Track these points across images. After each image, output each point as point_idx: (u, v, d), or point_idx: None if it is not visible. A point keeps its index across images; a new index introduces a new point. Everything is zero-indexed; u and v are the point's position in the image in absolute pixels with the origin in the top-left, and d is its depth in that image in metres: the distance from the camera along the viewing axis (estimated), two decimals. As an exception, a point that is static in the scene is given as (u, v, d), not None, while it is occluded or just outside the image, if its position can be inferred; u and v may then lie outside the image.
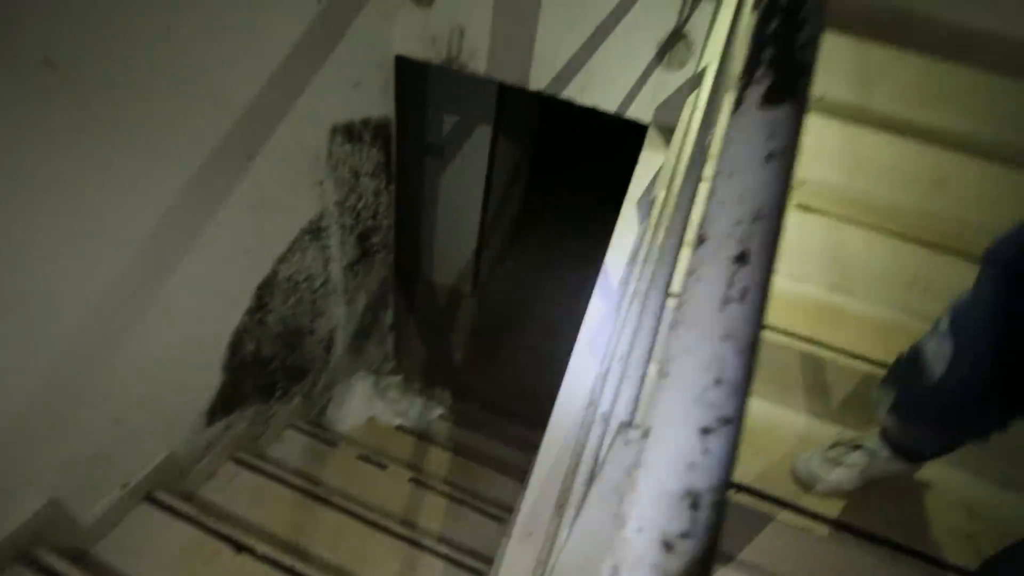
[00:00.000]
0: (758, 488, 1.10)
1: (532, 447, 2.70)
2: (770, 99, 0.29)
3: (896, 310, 1.37)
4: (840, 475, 1.06)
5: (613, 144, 5.79)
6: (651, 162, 1.58)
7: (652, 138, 1.65)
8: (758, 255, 0.27)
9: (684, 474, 0.22)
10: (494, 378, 3.23)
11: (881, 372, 1.21)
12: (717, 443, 0.23)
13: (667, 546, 0.21)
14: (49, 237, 1.02)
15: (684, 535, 0.21)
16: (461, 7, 1.72)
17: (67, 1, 0.91)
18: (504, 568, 1.13)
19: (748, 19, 0.83)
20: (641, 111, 1.73)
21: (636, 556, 0.21)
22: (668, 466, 0.22)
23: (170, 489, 1.47)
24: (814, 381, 1.28)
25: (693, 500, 0.22)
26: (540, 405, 3.13)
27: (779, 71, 0.30)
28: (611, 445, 0.34)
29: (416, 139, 3.19)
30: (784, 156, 0.28)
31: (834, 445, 1.09)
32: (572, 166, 5.43)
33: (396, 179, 2.33)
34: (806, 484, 1.10)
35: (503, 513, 1.93)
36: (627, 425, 0.34)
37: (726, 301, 0.25)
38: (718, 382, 0.24)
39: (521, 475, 2.27)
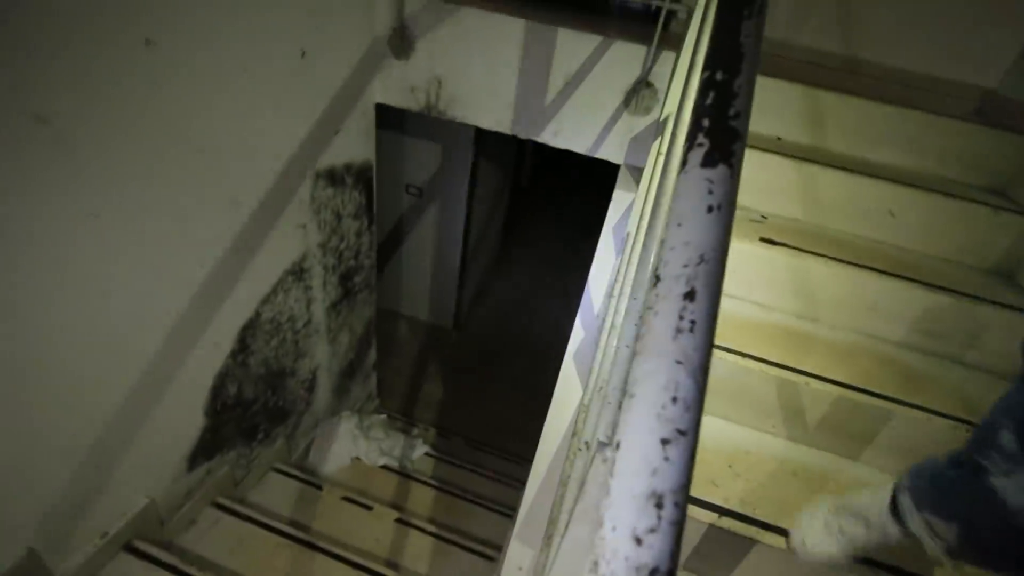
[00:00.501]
0: (740, 511, 1.13)
1: (518, 482, 2.69)
2: (708, 161, 0.35)
3: (860, 335, 1.45)
4: (832, 546, 0.96)
5: (591, 178, 6.01)
6: (623, 200, 1.67)
7: (623, 177, 1.74)
8: (704, 292, 0.32)
9: (649, 479, 0.26)
10: (478, 414, 3.23)
11: (850, 395, 1.27)
12: (676, 452, 0.27)
13: (637, 540, 0.25)
14: (37, 287, 1.03)
15: (651, 530, 0.25)
16: (438, 59, 1.82)
17: (58, 58, 0.96)
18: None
19: (699, 72, 0.92)
20: (612, 152, 1.83)
21: (612, 550, 0.25)
22: (635, 473, 0.27)
23: (150, 538, 1.44)
24: (789, 406, 1.33)
25: (657, 500, 0.26)
26: (524, 439, 3.13)
27: (715, 138, 0.36)
28: (590, 465, 0.38)
29: (396, 181, 3.27)
30: (722, 208, 0.34)
31: (837, 511, 0.98)
32: (551, 200, 5.58)
33: (377, 220, 2.38)
34: (797, 553, 1.01)
35: (491, 551, 1.90)
36: (605, 445, 0.38)
37: (678, 331, 0.30)
38: (674, 400, 0.28)
39: (508, 511, 2.25)
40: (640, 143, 1.76)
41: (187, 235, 1.35)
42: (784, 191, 1.56)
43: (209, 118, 1.29)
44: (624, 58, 1.63)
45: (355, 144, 2.00)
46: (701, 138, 0.37)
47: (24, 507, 1.16)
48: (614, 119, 1.74)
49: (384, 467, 2.33)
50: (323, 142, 1.82)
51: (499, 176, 3.89)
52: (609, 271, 1.45)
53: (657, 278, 0.33)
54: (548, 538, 0.97)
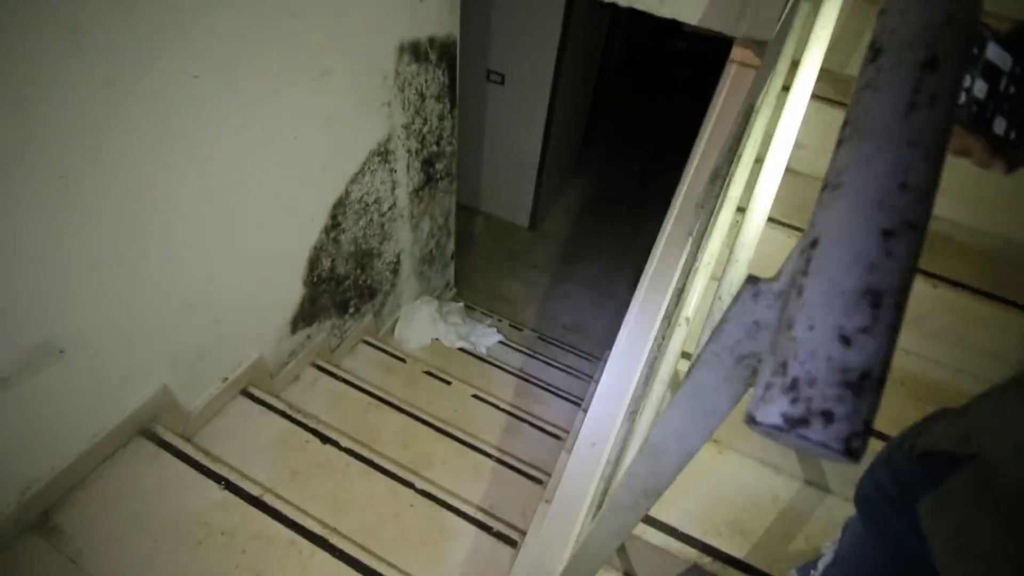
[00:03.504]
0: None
1: (586, 376, 2.73)
2: None
3: (1001, 241, 1.26)
4: None
5: (680, 76, 5.45)
6: (739, 75, 1.47)
7: (739, 51, 1.52)
8: (949, 62, 0.24)
9: (864, 274, 0.21)
10: (550, 311, 3.27)
11: (984, 303, 1.12)
12: (901, 246, 0.22)
13: (845, 340, 0.21)
14: (147, 142, 1.08)
15: (863, 330, 0.21)
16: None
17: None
18: (569, 470, 1.18)
19: None
20: (727, 23, 1.59)
21: (808, 351, 0.21)
22: (846, 267, 0.22)
23: (262, 388, 1.62)
24: (911, 312, 1.20)
25: (874, 298, 0.21)
26: (595, 339, 3.14)
27: None
28: (733, 303, 0.34)
29: (478, 66, 3.10)
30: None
31: None
32: (637, 98, 5.15)
33: (459, 105, 2.29)
34: None
35: (560, 431, 2.00)
36: (755, 279, 0.33)
37: (912, 107, 0.23)
38: (903, 187, 0.22)
39: (574, 400, 2.33)
40: (765, 9, 1.51)
41: (281, 103, 1.35)
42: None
43: (297, -27, 1.23)
44: None
45: (439, 15, 1.88)
46: None
47: (158, 348, 1.32)
48: (736, -23, 1.49)
49: (461, 350, 2.45)
50: (407, 10, 1.71)
51: (585, 67, 3.59)
52: (715, 155, 1.32)
53: (878, 50, 0.26)
54: (632, 414, 0.98)
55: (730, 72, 1.49)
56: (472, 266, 3.43)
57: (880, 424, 1.07)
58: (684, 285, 0.98)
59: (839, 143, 0.25)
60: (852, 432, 0.20)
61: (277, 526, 1.23)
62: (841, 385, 0.20)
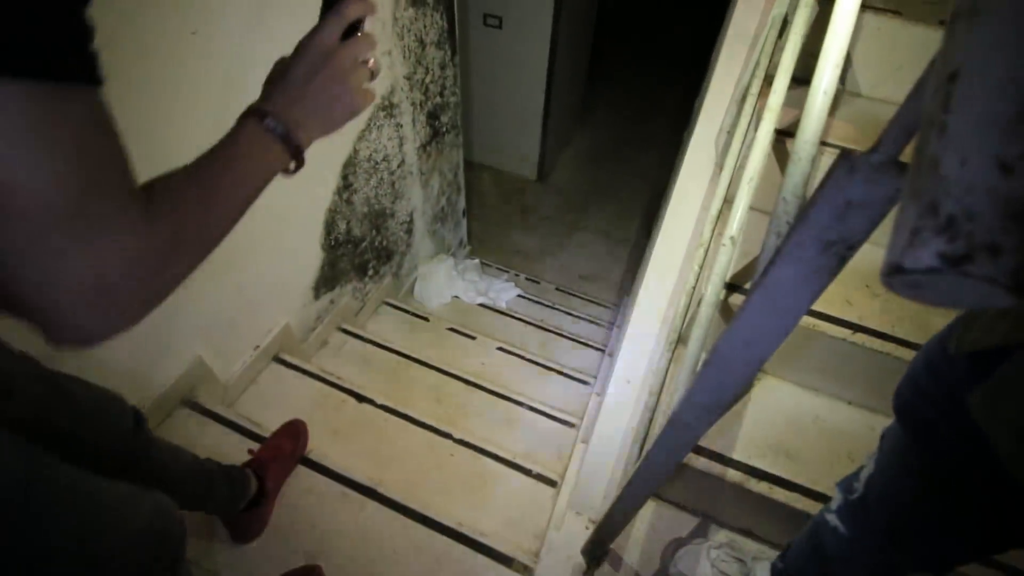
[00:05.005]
0: (877, 328, 1.06)
1: (607, 323, 2.73)
2: None
3: None
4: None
5: (685, 10, 5.20)
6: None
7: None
8: None
9: (1022, 96, 0.19)
10: (565, 262, 3.25)
11: None
12: (1063, 62, 0.19)
13: (1006, 169, 0.19)
14: (149, 100, 1.05)
15: (1026, 156, 0.19)
16: None
17: None
18: (605, 409, 1.19)
19: None
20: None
21: (964, 185, 0.19)
22: (998, 92, 0.20)
23: (293, 354, 1.64)
24: None
25: (1037, 121, 0.19)
26: (612, 287, 3.12)
27: None
28: (824, 183, 0.32)
29: (474, 9, 2.97)
30: None
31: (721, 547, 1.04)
32: (640, 30, 4.94)
33: (460, 52, 2.20)
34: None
35: (587, 377, 2.02)
36: (849, 153, 0.31)
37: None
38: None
39: (598, 347, 2.34)
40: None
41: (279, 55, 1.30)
42: None
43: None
44: None
45: (433, -46, 1.78)
46: None
47: (188, 319, 1.32)
48: None
49: (481, 305, 2.45)
50: (401, -50, 1.62)
51: (586, 4, 3.42)
52: (736, 75, 1.26)
53: None
54: (671, 344, 0.97)
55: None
56: (484, 222, 3.40)
57: (920, 332, 1.06)
58: (719, 210, 0.95)
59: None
60: (1022, 264, 0.18)
61: (327, 481, 1.26)
62: (1007, 216, 0.18)
